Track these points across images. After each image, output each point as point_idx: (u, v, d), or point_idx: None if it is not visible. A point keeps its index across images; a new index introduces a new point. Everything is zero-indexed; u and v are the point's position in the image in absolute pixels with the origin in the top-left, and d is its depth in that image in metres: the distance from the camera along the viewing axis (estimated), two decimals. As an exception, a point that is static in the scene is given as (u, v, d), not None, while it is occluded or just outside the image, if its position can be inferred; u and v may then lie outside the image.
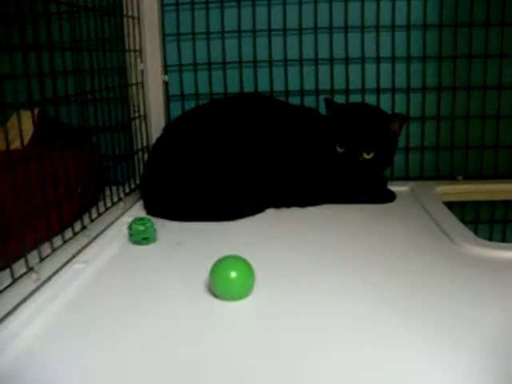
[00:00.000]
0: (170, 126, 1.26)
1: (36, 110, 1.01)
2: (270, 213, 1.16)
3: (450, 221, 1.06)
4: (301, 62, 1.38)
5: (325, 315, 0.72)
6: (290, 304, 0.75)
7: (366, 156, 1.14)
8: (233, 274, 0.75)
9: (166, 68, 1.39)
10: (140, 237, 0.98)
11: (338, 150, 1.15)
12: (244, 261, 0.77)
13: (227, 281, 0.75)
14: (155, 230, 1.00)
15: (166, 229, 1.07)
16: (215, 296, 0.76)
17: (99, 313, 0.75)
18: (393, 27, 1.35)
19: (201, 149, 1.15)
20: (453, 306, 0.73)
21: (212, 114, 1.22)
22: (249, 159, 1.15)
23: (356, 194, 1.21)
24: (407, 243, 0.97)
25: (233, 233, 1.05)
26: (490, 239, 1.43)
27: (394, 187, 1.28)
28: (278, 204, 1.18)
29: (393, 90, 1.38)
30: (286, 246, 0.97)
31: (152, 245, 0.99)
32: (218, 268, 0.76)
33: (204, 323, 0.71)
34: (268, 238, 1.01)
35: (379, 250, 0.94)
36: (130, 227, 0.99)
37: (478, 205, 1.45)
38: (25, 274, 0.77)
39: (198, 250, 0.96)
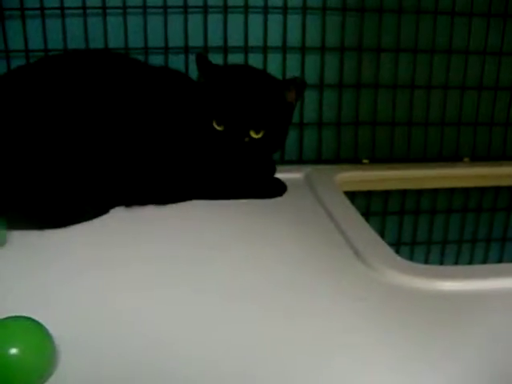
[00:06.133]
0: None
1: None
2: (118, 214, 0.93)
3: (355, 222, 0.89)
4: (165, 9, 1.09)
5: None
6: None
7: (253, 135, 0.93)
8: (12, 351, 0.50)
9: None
10: None
11: (216, 127, 0.93)
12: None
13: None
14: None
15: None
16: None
17: None
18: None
19: (13, 130, 0.88)
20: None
21: (36, 78, 0.93)
22: (86, 142, 0.91)
23: (234, 186, 1.01)
24: (298, 255, 0.80)
25: (58, 245, 0.81)
26: (399, 233, 1.31)
27: (284, 174, 1.08)
28: (129, 202, 0.95)
29: (284, 49, 1.14)
30: (136, 263, 0.76)
31: None
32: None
33: None
34: (112, 251, 0.80)
35: (258, 264, 0.76)
36: None
37: (386, 194, 1.27)
38: None
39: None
